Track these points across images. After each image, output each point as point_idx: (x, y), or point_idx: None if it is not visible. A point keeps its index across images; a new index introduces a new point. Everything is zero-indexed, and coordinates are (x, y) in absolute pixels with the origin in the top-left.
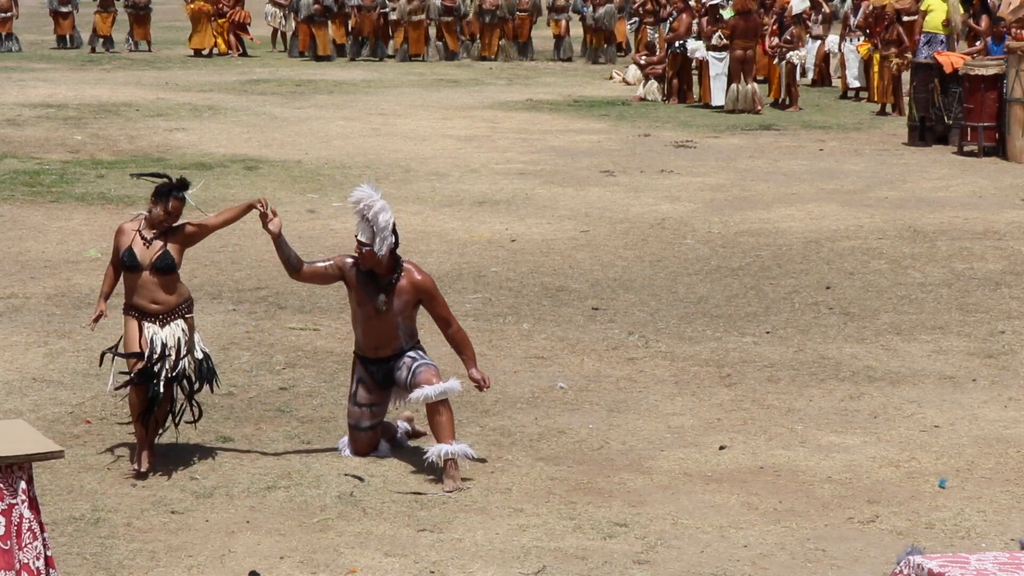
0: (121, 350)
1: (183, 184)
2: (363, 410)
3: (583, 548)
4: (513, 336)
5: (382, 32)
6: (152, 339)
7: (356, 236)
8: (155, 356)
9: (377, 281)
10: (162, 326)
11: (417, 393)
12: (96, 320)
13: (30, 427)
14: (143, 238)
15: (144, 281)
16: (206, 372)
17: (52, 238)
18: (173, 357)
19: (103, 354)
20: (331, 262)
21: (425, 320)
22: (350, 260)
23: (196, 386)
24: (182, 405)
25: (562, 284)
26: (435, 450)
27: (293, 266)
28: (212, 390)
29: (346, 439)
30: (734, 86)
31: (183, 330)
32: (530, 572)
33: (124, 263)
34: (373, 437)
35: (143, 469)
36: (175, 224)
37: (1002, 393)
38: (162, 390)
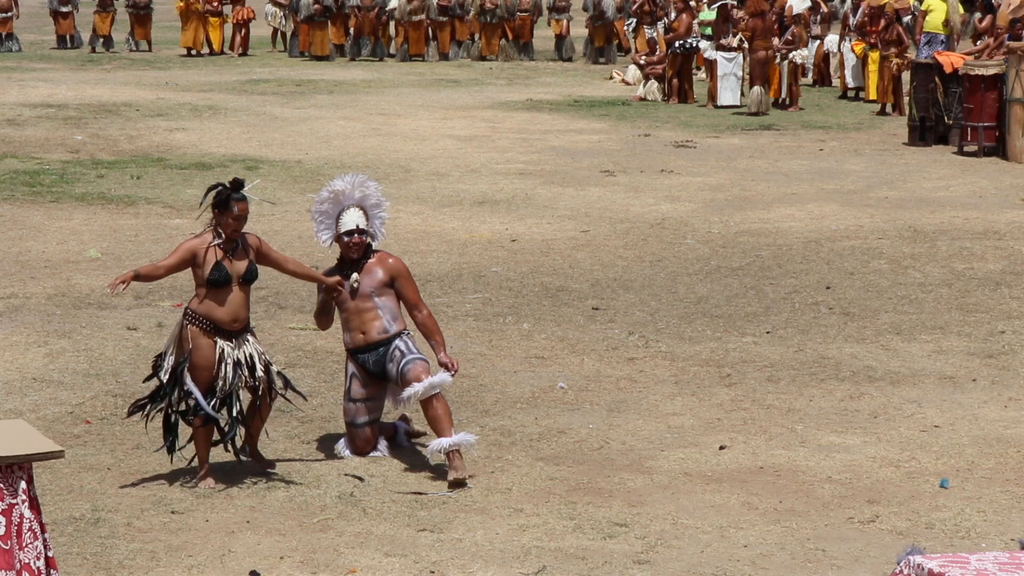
0: (174, 360)
1: (238, 184)
2: (358, 405)
3: (583, 548)
4: (513, 336)
5: (382, 32)
6: (227, 360)
7: (349, 231)
8: (226, 389)
9: (350, 265)
10: (235, 345)
11: (407, 392)
12: (119, 283)
13: (30, 427)
14: (223, 251)
15: (233, 297)
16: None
17: (52, 238)
18: (246, 375)
19: (158, 364)
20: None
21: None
22: (331, 271)
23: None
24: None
25: (562, 284)
26: (435, 444)
27: (325, 325)
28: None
29: (344, 439)
30: (757, 87)
31: (253, 343)
32: (530, 572)
33: (213, 280)
34: (371, 434)
35: (214, 486)
36: (246, 233)
37: (1002, 393)
38: (232, 413)
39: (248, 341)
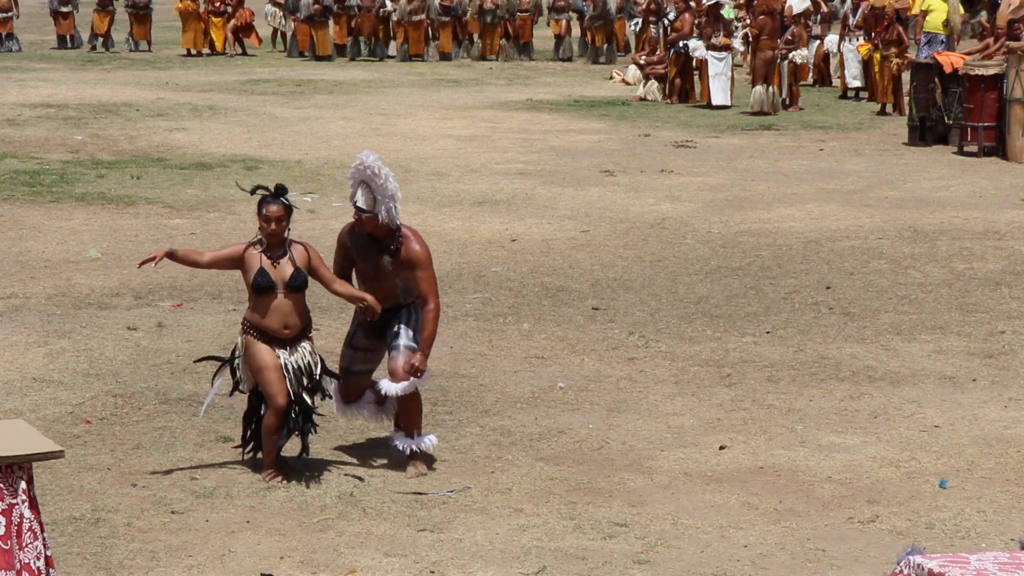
0: (238, 367)
1: (279, 190)
2: (358, 353)
3: (583, 548)
4: (513, 336)
5: (382, 32)
6: (287, 366)
7: (354, 203)
8: (296, 386)
9: (379, 243)
10: (291, 352)
11: (384, 387)
12: (148, 261)
13: (30, 427)
14: (269, 258)
15: (278, 304)
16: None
17: (52, 238)
18: (306, 381)
19: (220, 369)
20: (338, 248)
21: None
22: (345, 229)
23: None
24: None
25: (562, 284)
26: (401, 442)
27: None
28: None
29: (336, 389)
30: (760, 87)
31: (310, 352)
32: (530, 572)
33: (257, 285)
34: (361, 384)
35: (278, 481)
36: (296, 242)
37: (1002, 393)
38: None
39: (302, 348)
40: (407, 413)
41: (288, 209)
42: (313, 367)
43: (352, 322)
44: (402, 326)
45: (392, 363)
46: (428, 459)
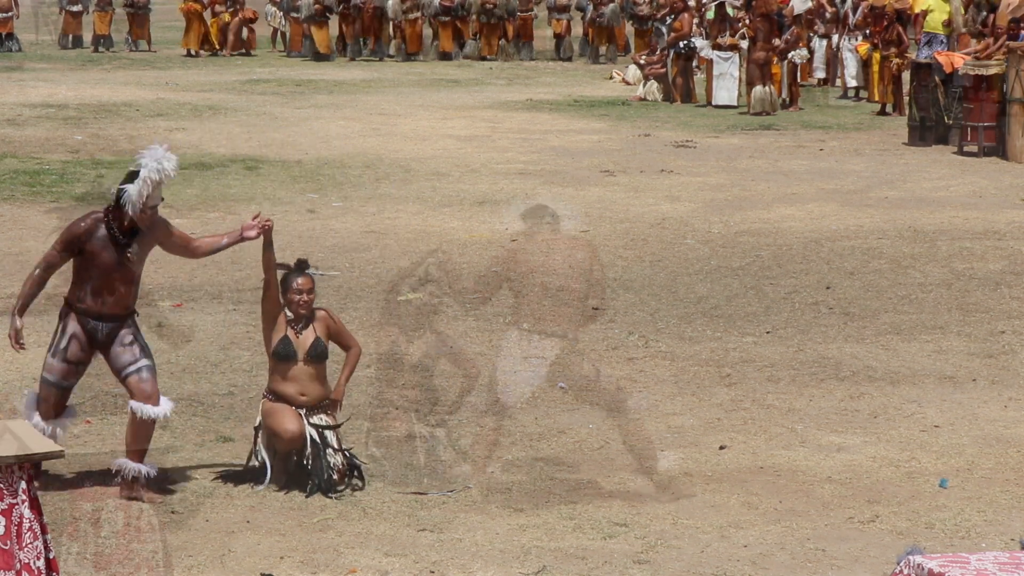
0: (264, 437)
1: (301, 265)
2: (70, 367)
3: (583, 548)
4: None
5: (382, 32)
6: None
7: (149, 204)
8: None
9: (120, 235)
10: (308, 415)
11: (140, 409)
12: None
13: (30, 427)
14: (293, 328)
15: (297, 372)
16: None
17: (52, 238)
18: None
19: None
20: (66, 238)
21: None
22: (86, 224)
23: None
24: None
25: (562, 284)
26: (121, 463)
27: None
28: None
29: (33, 398)
30: (758, 87)
31: (323, 425)
32: (530, 572)
33: (277, 353)
34: (67, 397)
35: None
36: (317, 310)
37: (1002, 393)
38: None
39: (319, 418)
40: (136, 436)
41: (313, 280)
42: (326, 442)
43: (62, 333)
44: (135, 351)
45: (136, 386)
46: (151, 484)
